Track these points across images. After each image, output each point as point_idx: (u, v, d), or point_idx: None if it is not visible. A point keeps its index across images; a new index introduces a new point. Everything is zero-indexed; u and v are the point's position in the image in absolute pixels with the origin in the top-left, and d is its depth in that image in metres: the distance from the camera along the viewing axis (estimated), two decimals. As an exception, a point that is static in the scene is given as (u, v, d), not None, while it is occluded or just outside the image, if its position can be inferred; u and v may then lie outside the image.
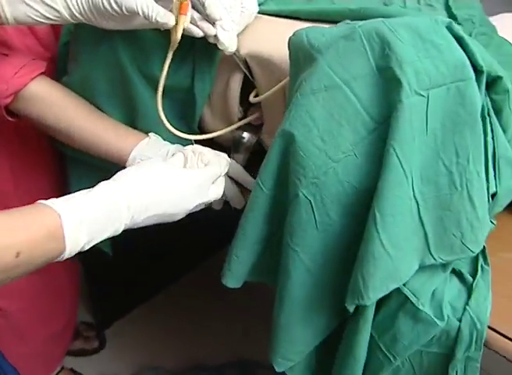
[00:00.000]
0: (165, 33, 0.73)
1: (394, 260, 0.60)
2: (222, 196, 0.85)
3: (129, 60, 0.77)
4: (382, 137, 0.60)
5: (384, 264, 0.60)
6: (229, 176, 0.84)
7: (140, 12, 0.69)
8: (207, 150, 0.77)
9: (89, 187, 0.63)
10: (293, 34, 0.66)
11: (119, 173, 0.67)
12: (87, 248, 0.60)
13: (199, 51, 0.76)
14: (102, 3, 0.69)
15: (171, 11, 0.70)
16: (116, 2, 0.69)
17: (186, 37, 0.73)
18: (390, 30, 0.58)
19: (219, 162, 0.76)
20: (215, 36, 0.71)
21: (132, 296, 1.62)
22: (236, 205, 0.85)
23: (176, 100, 0.82)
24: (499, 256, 0.73)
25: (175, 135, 0.80)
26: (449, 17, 0.83)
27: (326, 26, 0.73)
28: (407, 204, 0.60)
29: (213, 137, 0.83)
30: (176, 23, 0.70)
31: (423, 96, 0.58)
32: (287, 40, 0.68)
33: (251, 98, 0.77)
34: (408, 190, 0.60)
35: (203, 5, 0.70)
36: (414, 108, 0.58)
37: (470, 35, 0.83)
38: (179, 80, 0.78)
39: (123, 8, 0.69)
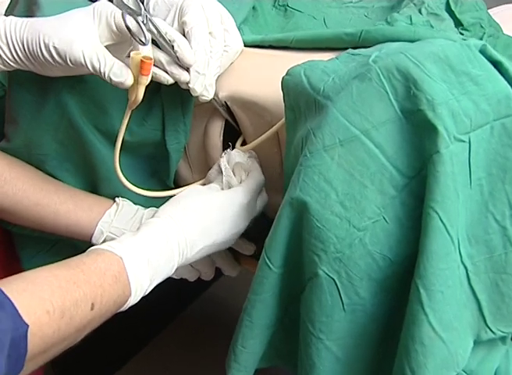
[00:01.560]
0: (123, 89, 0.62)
1: (448, 344, 0.51)
2: (214, 264, 0.75)
3: (82, 117, 0.65)
4: (416, 194, 0.51)
5: (437, 351, 0.51)
6: None
7: (90, 67, 0.57)
8: (241, 156, 0.67)
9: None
10: (288, 73, 0.56)
11: (159, 210, 0.63)
12: (148, 291, 0.58)
13: (168, 97, 0.66)
14: (41, 53, 0.57)
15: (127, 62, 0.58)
16: (59, 54, 0.57)
17: (151, 87, 0.62)
18: (414, 64, 0.48)
19: (257, 167, 0.68)
20: (188, 82, 0.60)
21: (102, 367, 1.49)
22: (230, 273, 0.75)
23: (144, 156, 0.71)
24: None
25: (141, 195, 0.69)
26: (455, 24, 0.74)
27: (320, 55, 0.64)
28: (456, 274, 0.51)
29: None
30: (136, 82, 0.58)
31: (464, 141, 0.49)
32: (277, 77, 0.58)
33: (238, 147, 0.67)
34: (456, 257, 0.51)
35: (172, 47, 0.58)
36: (455, 158, 0.48)
37: (481, 40, 0.74)
38: (146, 135, 0.67)
39: (68, 60, 0.57)
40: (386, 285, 0.54)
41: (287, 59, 0.63)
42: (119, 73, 0.57)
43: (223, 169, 0.66)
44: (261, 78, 0.63)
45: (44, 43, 0.57)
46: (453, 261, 0.50)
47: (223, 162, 0.66)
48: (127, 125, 0.63)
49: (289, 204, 0.53)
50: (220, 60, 0.63)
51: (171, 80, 0.60)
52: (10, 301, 0.43)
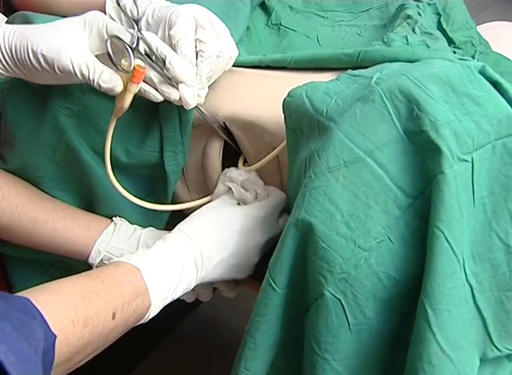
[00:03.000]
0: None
1: (456, 363, 0.52)
2: (212, 285, 0.75)
3: (80, 140, 0.66)
4: (420, 214, 0.52)
5: (445, 370, 0.51)
6: None
7: (78, 74, 0.58)
8: (243, 175, 0.69)
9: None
10: (289, 95, 0.57)
11: (175, 228, 0.65)
12: (167, 302, 0.61)
13: (166, 118, 0.66)
14: (29, 60, 0.58)
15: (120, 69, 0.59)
16: (47, 61, 0.57)
17: (148, 109, 0.62)
18: (417, 85, 0.50)
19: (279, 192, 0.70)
20: (180, 99, 0.61)
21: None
22: (228, 294, 0.75)
23: (142, 176, 0.71)
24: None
25: (138, 206, 0.68)
26: (448, 42, 0.76)
27: (318, 75, 0.65)
28: (462, 292, 0.52)
29: (190, 207, 0.72)
30: (125, 89, 0.59)
31: (467, 161, 0.50)
32: (276, 98, 0.60)
33: (241, 167, 0.68)
34: (461, 275, 0.52)
35: (163, 65, 0.59)
36: (459, 177, 0.50)
37: (473, 58, 0.77)
38: (144, 157, 0.68)
39: (55, 67, 0.57)
40: (391, 304, 0.55)
41: (286, 80, 0.64)
42: (108, 79, 0.58)
43: (234, 190, 0.67)
44: (261, 99, 0.64)
45: (32, 50, 0.57)
46: (458, 279, 0.51)
47: (228, 182, 0.67)
48: (113, 132, 0.64)
49: (295, 225, 0.53)
50: (212, 64, 0.63)
51: (160, 98, 0.61)
52: (40, 311, 0.45)
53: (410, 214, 0.52)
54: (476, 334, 0.55)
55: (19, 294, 0.48)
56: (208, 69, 0.63)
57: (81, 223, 0.71)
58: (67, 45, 0.57)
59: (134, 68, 0.58)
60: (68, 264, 0.75)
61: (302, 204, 0.52)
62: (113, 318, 0.52)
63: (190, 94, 0.62)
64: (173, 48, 0.62)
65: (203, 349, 1.54)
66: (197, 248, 0.62)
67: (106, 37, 0.59)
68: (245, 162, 0.70)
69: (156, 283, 0.58)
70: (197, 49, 0.63)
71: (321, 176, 0.52)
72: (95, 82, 0.58)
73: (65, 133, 0.65)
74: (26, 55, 0.57)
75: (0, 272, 0.85)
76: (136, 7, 0.65)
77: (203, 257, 0.62)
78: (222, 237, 0.64)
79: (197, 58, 0.63)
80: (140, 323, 0.59)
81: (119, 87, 0.59)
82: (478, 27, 0.88)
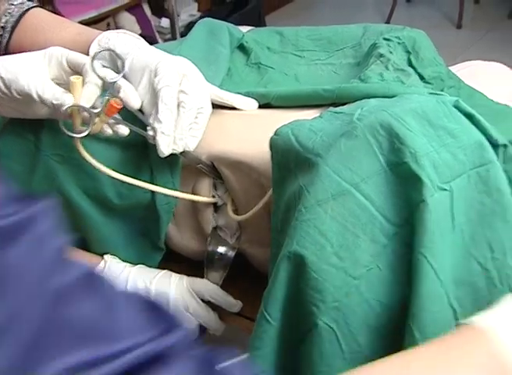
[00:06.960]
0: (111, 150, 0.65)
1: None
2: (197, 322, 0.77)
3: (72, 185, 0.69)
4: (405, 241, 0.55)
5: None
6: (202, 300, 0.75)
7: (34, 95, 0.61)
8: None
9: None
10: (276, 133, 0.61)
11: None
12: None
13: (156, 158, 0.69)
14: None
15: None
16: (5, 84, 0.61)
17: (138, 148, 0.65)
18: (396, 120, 0.54)
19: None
20: (154, 139, 0.63)
21: None
22: (215, 331, 0.77)
23: (134, 218, 0.74)
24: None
25: (112, 177, 0.67)
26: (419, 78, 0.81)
27: (300, 113, 0.69)
28: (447, 315, 0.55)
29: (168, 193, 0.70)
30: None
31: (446, 190, 0.54)
32: (262, 137, 0.63)
33: (232, 215, 0.70)
34: (445, 299, 0.55)
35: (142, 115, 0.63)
36: (439, 205, 0.53)
37: (442, 91, 0.81)
38: (136, 198, 0.70)
39: (13, 90, 0.61)
40: (383, 331, 0.57)
41: (271, 119, 0.68)
42: (59, 96, 0.61)
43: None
44: (247, 138, 0.68)
45: None
46: (443, 303, 0.54)
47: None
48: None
49: (287, 258, 0.56)
50: (192, 117, 0.65)
51: (126, 132, 0.65)
52: None
53: (396, 242, 0.56)
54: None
55: None
56: (189, 121, 0.65)
57: None
58: (25, 70, 0.61)
59: (110, 103, 0.62)
60: None
61: (293, 236, 0.55)
62: None
63: (165, 143, 0.63)
64: (155, 95, 0.64)
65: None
66: None
67: (66, 65, 0.63)
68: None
69: None
70: (179, 100, 0.65)
71: (311, 209, 0.55)
72: (49, 101, 0.61)
73: (57, 179, 0.68)
74: None
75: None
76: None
77: None
78: None
79: (179, 108, 0.64)
80: None
81: (67, 101, 0.61)
82: (455, 66, 0.93)
